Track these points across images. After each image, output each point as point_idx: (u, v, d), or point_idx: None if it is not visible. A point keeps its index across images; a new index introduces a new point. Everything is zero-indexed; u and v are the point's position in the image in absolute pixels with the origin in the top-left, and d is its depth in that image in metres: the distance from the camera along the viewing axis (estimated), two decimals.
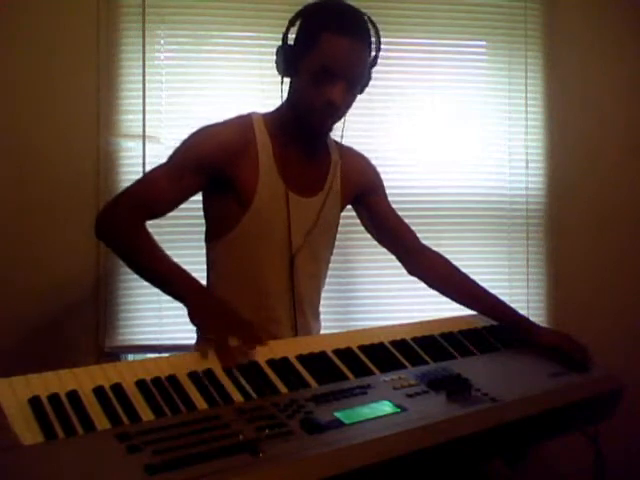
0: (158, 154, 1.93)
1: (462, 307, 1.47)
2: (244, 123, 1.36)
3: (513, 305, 1.46)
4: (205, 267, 1.44)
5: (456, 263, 1.52)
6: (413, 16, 2.18)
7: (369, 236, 1.59)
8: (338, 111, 1.31)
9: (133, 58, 2.02)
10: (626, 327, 2.26)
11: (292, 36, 1.33)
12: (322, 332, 1.52)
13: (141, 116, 2.02)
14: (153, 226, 1.28)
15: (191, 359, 1.03)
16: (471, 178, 2.21)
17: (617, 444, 1.51)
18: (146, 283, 1.25)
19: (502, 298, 1.46)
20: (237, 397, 0.95)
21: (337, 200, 1.47)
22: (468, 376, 1.12)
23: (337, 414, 0.91)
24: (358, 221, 1.59)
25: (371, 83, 1.38)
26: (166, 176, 1.29)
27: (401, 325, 1.34)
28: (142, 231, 1.26)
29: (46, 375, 0.90)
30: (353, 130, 1.82)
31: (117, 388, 0.91)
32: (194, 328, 1.36)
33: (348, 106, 1.33)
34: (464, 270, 1.51)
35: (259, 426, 0.85)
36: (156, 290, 1.24)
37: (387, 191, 1.58)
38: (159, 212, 1.30)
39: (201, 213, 1.43)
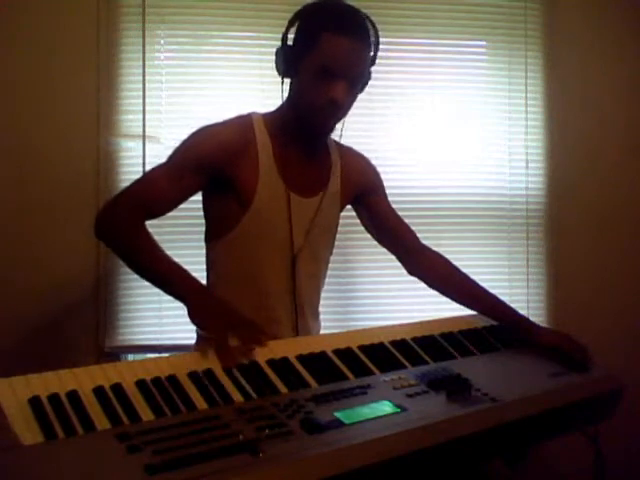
0: (158, 154, 1.93)
1: (462, 307, 1.47)
2: (244, 123, 1.36)
3: (513, 305, 1.46)
4: (205, 267, 1.44)
5: (456, 263, 1.52)
6: (413, 16, 2.18)
7: (369, 236, 1.59)
8: (340, 110, 1.31)
9: (133, 58, 2.02)
10: (626, 327, 2.26)
11: (291, 36, 1.33)
12: (322, 332, 1.52)
13: (141, 116, 2.02)
14: (153, 226, 1.28)
15: (191, 359, 1.03)
16: (471, 178, 2.21)
17: (617, 444, 1.51)
18: (146, 283, 1.25)
19: (502, 298, 1.46)
20: (237, 397, 0.95)
21: (337, 200, 1.47)
22: (468, 376, 1.12)
23: (337, 414, 0.91)
24: (358, 221, 1.59)
25: (371, 83, 1.38)
26: (166, 176, 1.29)
27: (401, 325, 1.33)
28: (142, 231, 1.26)
29: (46, 375, 0.90)
30: (353, 130, 1.83)
31: (117, 388, 0.91)
32: (194, 328, 1.36)
33: (350, 105, 1.33)
34: (464, 270, 1.51)
35: (259, 426, 0.85)
36: (156, 290, 1.24)
37: (387, 191, 1.58)
38: (159, 212, 1.30)
39: (201, 213, 1.43)
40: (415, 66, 2.19)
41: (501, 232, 2.23)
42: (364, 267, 2.12)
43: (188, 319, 1.17)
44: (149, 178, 1.33)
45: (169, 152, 1.33)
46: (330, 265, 1.53)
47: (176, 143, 1.34)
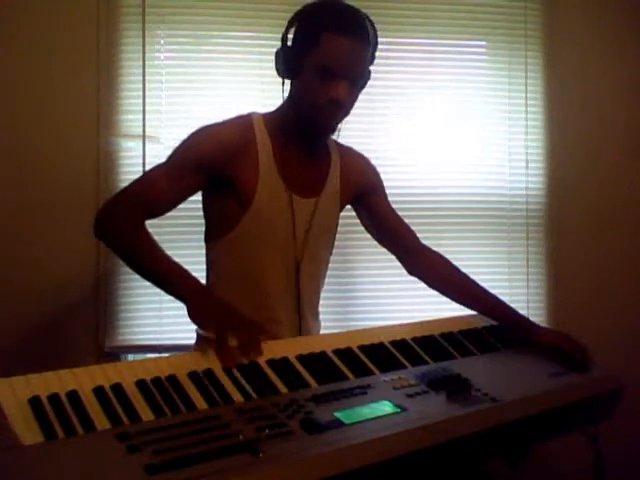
0: (158, 154, 1.93)
1: (462, 307, 1.47)
2: (244, 123, 1.36)
3: (513, 305, 1.46)
4: (205, 267, 1.44)
5: (456, 263, 1.52)
6: (413, 16, 2.18)
7: (369, 236, 1.59)
8: (342, 109, 1.31)
9: (133, 58, 2.02)
10: (626, 327, 2.26)
11: (290, 37, 1.33)
12: (322, 332, 1.52)
13: (141, 116, 2.02)
14: (153, 226, 1.28)
15: (191, 359, 1.03)
16: (471, 178, 2.21)
17: (617, 444, 1.51)
18: (146, 283, 1.25)
19: (502, 298, 1.46)
20: (237, 397, 0.95)
21: (336, 200, 1.47)
22: (468, 376, 1.12)
23: (337, 414, 0.91)
24: (358, 221, 1.59)
25: (371, 83, 1.38)
26: (166, 176, 1.29)
27: (401, 325, 1.33)
28: (142, 231, 1.26)
29: (46, 375, 0.90)
30: (353, 130, 1.83)
31: (117, 388, 0.91)
32: (194, 328, 1.36)
33: (351, 105, 1.33)
34: (464, 270, 1.51)
35: (259, 426, 0.85)
36: (156, 290, 1.24)
37: (387, 191, 1.58)
38: (158, 212, 1.30)
39: (201, 213, 1.43)
40: (415, 66, 2.19)
41: (501, 232, 2.24)
42: (364, 267, 2.12)
43: (188, 319, 1.17)
44: (149, 178, 1.33)
45: (169, 152, 1.33)
46: (330, 265, 1.53)
47: (176, 143, 1.34)
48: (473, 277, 1.49)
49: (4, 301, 1.96)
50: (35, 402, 0.84)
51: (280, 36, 1.33)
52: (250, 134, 1.35)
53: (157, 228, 1.34)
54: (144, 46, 2.02)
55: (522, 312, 1.46)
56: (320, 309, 1.52)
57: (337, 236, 1.53)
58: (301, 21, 1.31)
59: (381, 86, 2.08)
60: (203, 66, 2.06)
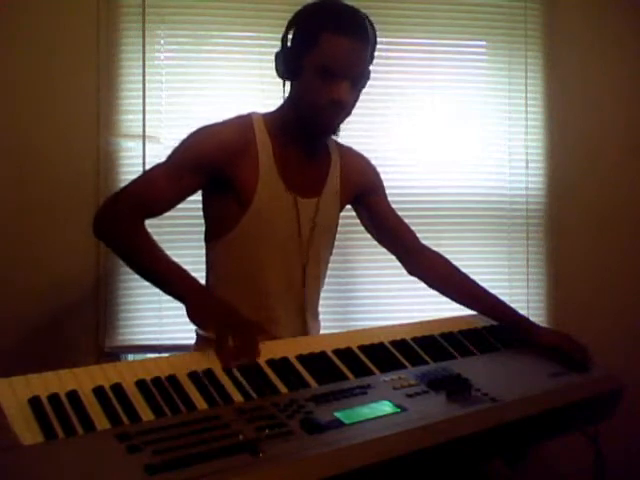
0: (158, 154, 1.92)
1: (462, 307, 1.47)
2: (244, 123, 1.36)
3: (513, 305, 1.46)
4: (205, 267, 1.44)
5: (456, 263, 1.52)
6: (413, 16, 2.18)
7: (369, 236, 1.59)
8: (344, 109, 1.30)
9: (133, 58, 2.02)
10: (626, 327, 2.26)
11: (289, 37, 1.33)
12: (322, 332, 1.52)
13: (141, 116, 2.02)
14: (153, 226, 1.28)
15: (191, 359, 1.03)
16: (471, 178, 2.21)
17: (617, 444, 1.51)
18: (146, 283, 1.25)
19: (502, 298, 1.46)
20: (237, 397, 0.95)
21: (336, 200, 1.47)
22: (468, 376, 1.12)
23: (337, 414, 0.91)
24: (358, 221, 1.59)
25: (371, 83, 1.38)
26: (165, 175, 1.28)
27: (401, 325, 1.33)
28: (141, 230, 1.26)
29: (46, 375, 0.90)
30: (353, 130, 1.83)
31: (117, 388, 0.91)
32: (194, 328, 1.36)
33: (353, 104, 1.33)
34: (464, 270, 1.51)
35: (259, 426, 0.85)
36: (156, 290, 1.24)
37: (387, 191, 1.58)
38: (158, 211, 1.30)
39: (201, 213, 1.42)
40: (415, 66, 2.19)
41: (501, 232, 2.23)
42: (364, 267, 2.12)
43: (188, 319, 1.17)
44: (148, 177, 1.33)
45: (169, 152, 1.33)
46: (330, 265, 1.53)
47: (176, 143, 1.33)
48: (473, 277, 1.49)
49: (4, 301, 1.95)
50: (35, 402, 0.84)
51: (280, 36, 1.33)
52: (250, 134, 1.35)
53: (157, 228, 1.34)
54: (144, 46, 2.02)
55: (522, 312, 1.46)
56: (320, 309, 1.51)
57: (337, 236, 1.53)
58: (301, 22, 1.31)
59: (381, 86, 2.08)
60: (203, 66, 2.06)
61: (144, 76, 2.02)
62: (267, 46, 1.99)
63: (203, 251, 1.44)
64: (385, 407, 0.96)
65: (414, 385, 1.06)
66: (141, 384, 0.93)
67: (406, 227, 1.55)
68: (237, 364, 1.03)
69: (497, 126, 2.24)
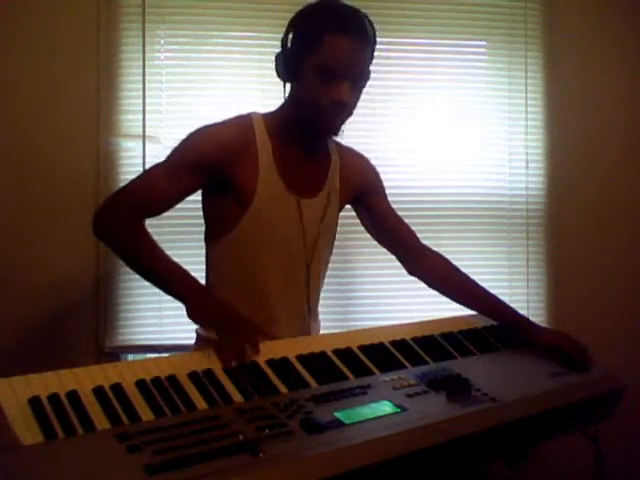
0: (158, 154, 1.92)
1: (462, 307, 1.47)
2: (244, 123, 1.36)
3: (513, 305, 1.46)
4: (205, 267, 1.44)
5: (456, 263, 1.52)
6: (413, 16, 2.18)
7: (369, 236, 1.59)
8: (346, 109, 1.30)
9: (133, 58, 2.02)
10: (626, 327, 2.26)
11: (289, 39, 1.33)
12: (322, 332, 1.52)
13: (141, 116, 2.02)
14: (153, 226, 1.28)
15: (191, 359, 1.03)
16: (471, 178, 2.21)
17: (617, 444, 1.51)
18: (146, 283, 1.25)
19: (502, 298, 1.46)
20: (237, 397, 0.95)
21: (336, 200, 1.47)
22: (468, 376, 1.12)
23: (337, 414, 0.91)
24: (358, 221, 1.59)
25: (371, 83, 1.38)
26: (165, 175, 1.28)
27: (401, 325, 1.34)
28: (141, 230, 1.26)
29: (46, 375, 0.90)
30: (353, 130, 1.82)
31: (117, 388, 0.91)
32: (194, 328, 1.36)
33: (354, 105, 1.33)
34: (464, 270, 1.51)
35: (259, 426, 0.85)
36: (156, 290, 1.24)
37: (387, 191, 1.58)
38: (157, 211, 1.30)
39: (200, 213, 1.42)
40: (415, 66, 2.19)
41: (501, 232, 2.23)
42: (364, 267, 2.12)
43: (188, 319, 1.17)
44: (148, 177, 1.33)
45: (169, 152, 1.33)
46: (330, 265, 1.53)
47: (176, 143, 1.33)
48: (473, 277, 1.49)
49: (4, 301, 1.95)
50: (35, 402, 0.84)
51: (280, 36, 1.33)
52: (250, 134, 1.35)
53: (157, 228, 1.34)
54: (144, 46, 2.02)
55: (522, 312, 1.46)
56: (320, 309, 1.51)
57: (337, 236, 1.53)
58: (301, 23, 1.31)
59: (381, 86, 2.08)
60: (203, 66, 2.06)
61: (144, 76, 2.02)
62: (267, 46, 1.99)
63: (203, 251, 1.44)
64: (385, 407, 0.96)
65: (414, 385, 1.06)
66: (141, 384, 0.93)
67: (406, 227, 1.55)
68: (237, 364, 1.03)
69: (497, 126, 2.24)
